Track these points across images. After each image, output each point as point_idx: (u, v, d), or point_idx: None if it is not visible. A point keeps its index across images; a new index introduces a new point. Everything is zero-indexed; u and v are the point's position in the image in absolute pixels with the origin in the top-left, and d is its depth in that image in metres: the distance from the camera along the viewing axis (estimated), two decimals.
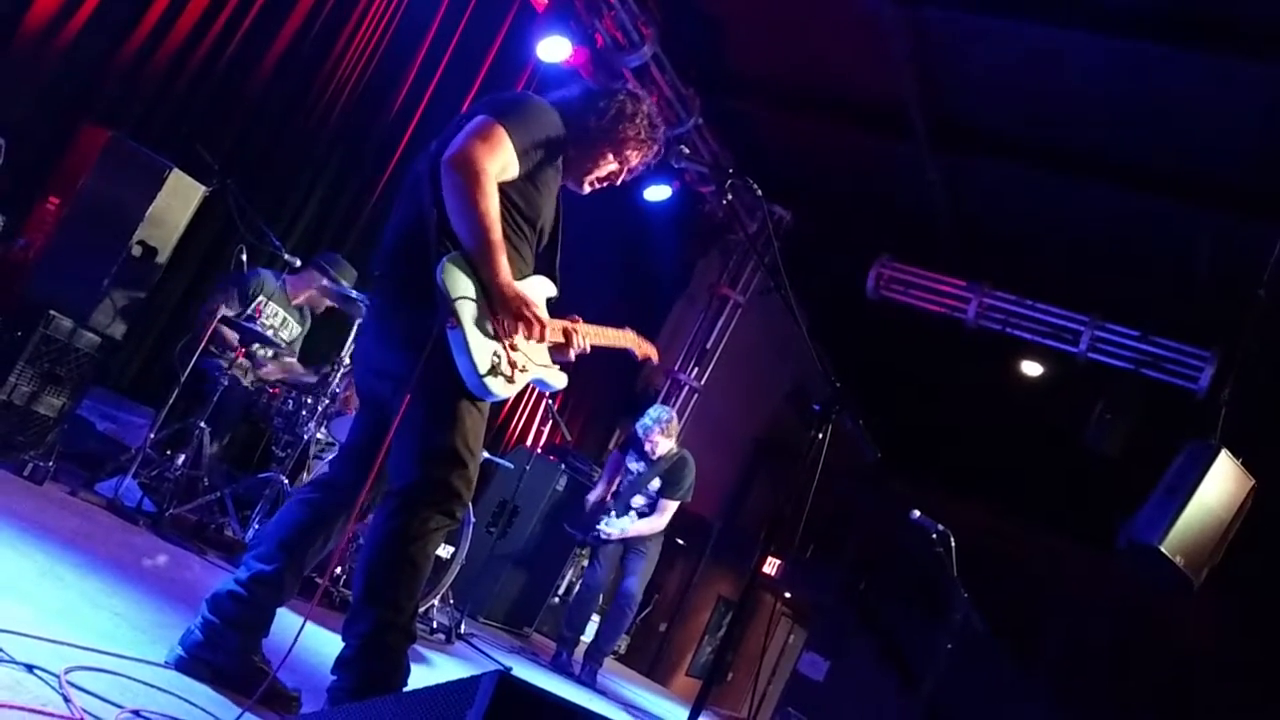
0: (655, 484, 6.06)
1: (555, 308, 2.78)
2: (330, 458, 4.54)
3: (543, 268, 2.74)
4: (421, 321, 2.36)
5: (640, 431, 6.06)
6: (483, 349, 2.37)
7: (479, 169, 2.38)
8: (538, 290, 2.69)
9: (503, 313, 2.41)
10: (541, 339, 2.52)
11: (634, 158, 2.77)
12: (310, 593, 4.09)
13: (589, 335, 2.77)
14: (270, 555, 2.49)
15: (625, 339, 3.13)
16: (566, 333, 2.68)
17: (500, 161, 2.45)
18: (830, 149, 8.22)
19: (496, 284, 2.39)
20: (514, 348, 2.44)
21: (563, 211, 2.79)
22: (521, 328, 2.43)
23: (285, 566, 2.48)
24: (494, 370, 2.39)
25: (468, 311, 2.36)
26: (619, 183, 2.86)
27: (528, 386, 2.82)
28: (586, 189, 2.81)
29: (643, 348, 3.25)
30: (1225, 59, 5.37)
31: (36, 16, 4.30)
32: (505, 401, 5.72)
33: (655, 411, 6.14)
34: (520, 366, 2.46)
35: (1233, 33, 5.18)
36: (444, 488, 2.39)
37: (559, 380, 2.74)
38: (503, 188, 2.47)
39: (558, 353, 2.72)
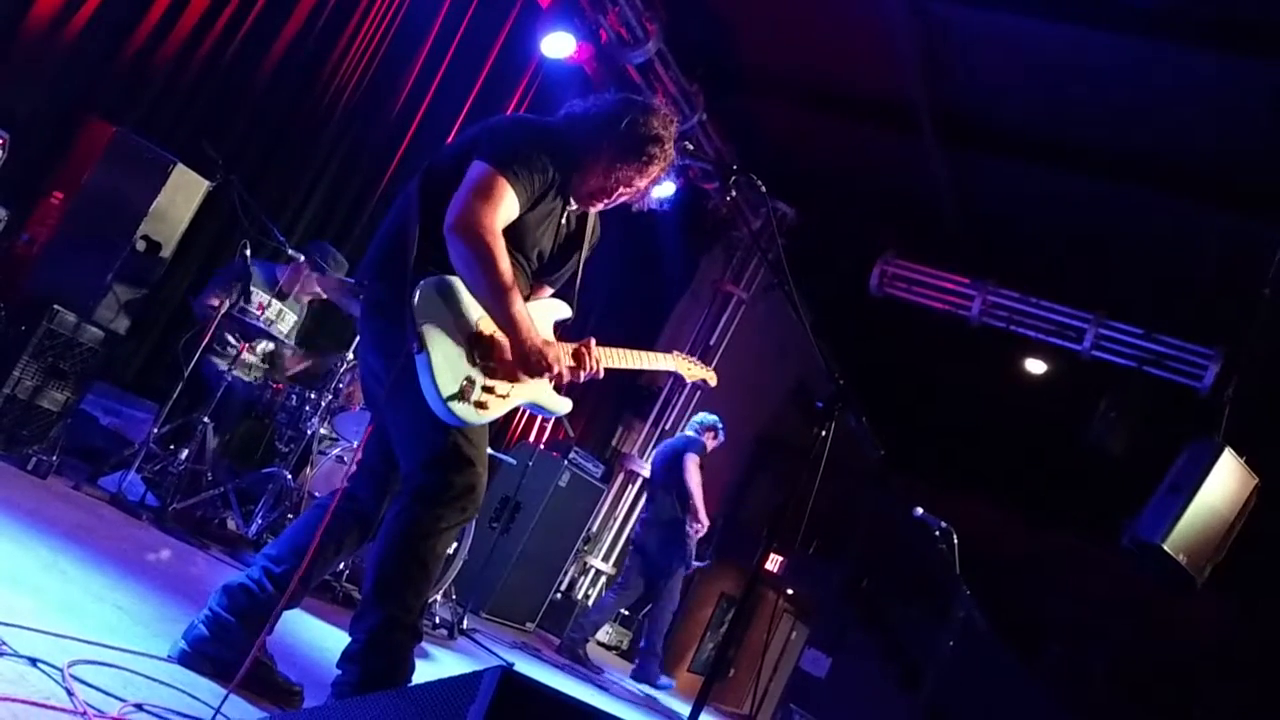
0: None
1: (571, 330, 2.75)
2: (336, 452, 4.58)
3: (560, 291, 2.74)
4: (397, 334, 2.36)
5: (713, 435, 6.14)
6: (448, 376, 2.34)
7: (485, 233, 2.33)
8: (548, 312, 2.68)
9: (525, 369, 2.43)
10: (562, 383, 2.52)
11: (640, 180, 2.67)
12: (325, 595, 4.11)
13: (610, 358, 2.70)
14: (282, 556, 2.50)
15: (667, 362, 3.01)
16: (578, 355, 2.63)
17: (505, 214, 2.41)
18: (835, 145, 8.20)
19: (518, 342, 2.40)
20: (492, 375, 2.42)
21: (589, 236, 2.76)
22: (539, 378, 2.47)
23: (293, 569, 2.48)
24: (461, 396, 2.34)
25: (435, 337, 2.34)
26: (633, 205, 2.76)
27: None
28: (591, 208, 2.74)
29: (693, 371, 3.16)
30: (1233, 58, 5.35)
31: (41, 11, 4.30)
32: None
33: (712, 417, 6.25)
34: (501, 393, 2.44)
35: (1241, 32, 5.16)
36: (452, 487, 2.39)
37: (559, 405, 2.68)
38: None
39: (567, 374, 2.68)
